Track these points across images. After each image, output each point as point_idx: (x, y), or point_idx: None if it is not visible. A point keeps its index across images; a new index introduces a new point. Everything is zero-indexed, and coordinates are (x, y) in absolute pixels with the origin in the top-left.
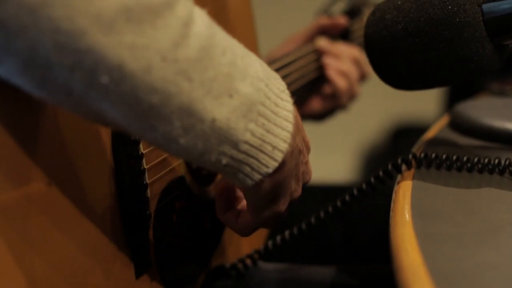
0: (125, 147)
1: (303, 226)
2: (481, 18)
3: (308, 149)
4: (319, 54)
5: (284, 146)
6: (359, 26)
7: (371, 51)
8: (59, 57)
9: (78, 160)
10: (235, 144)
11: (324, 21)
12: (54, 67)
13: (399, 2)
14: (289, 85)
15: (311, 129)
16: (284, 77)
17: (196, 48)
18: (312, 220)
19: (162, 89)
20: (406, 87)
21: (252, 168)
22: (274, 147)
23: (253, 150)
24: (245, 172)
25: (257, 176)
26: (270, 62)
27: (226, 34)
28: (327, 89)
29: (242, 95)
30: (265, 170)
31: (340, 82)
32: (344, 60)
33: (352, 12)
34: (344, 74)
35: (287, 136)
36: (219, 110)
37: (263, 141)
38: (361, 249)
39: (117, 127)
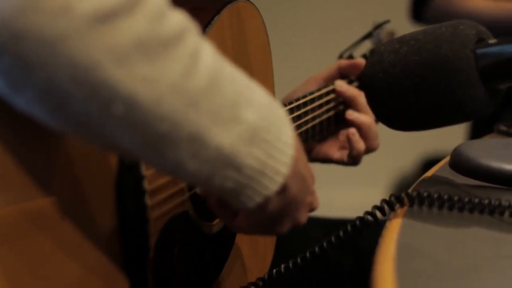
0: (129, 181)
1: (307, 255)
2: (474, 63)
3: (312, 177)
4: (337, 95)
5: (284, 170)
6: None
7: (368, 91)
8: (76, 90)
9: (82, 184)
10: (238, 168)
11: (343, 62)
12: (70, 99)
13: (396, 46)
14: (305, 124)
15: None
16: (301, 115)
17: (204, 78)
18: (316, 249)
19: (172, 118)
20: (401, 128)
21: (254, 191)
22: (276, 171)
23: (255, 174)
24: (247, 195)
25: (258, 199)
26: (288, 102)
27: (231, 65)
28: (344, 133)
29: (246, 122)
30: (265, 192)
31: (352, 130)
32: (359, 102)
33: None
34: (365, 126)
35: (288, 160)
36: (225, 137)
37: (265, 165)
38: (368, 281)
39: (128, 154)
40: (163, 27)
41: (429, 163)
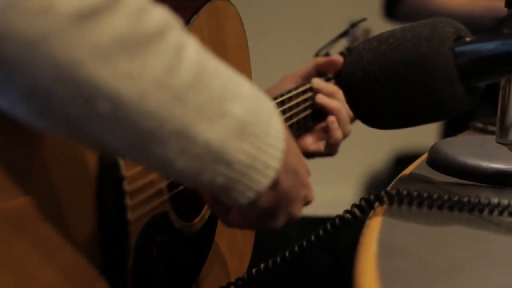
0: (109, 182)
1: (286, 254)
2: (453, 61)
3: (306, 170)
4: (314, 92)
5: (275, 164)
6: None
7: (347, 90)
8: (59, 89)
9: (62, 185)
10: (228, 164)
11: (321, 60)
12: (53, 98)
13: (375, 44)
14: (285, 122)
15: (312, 162)
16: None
17: (189, 73)
18: (296, 248)
19: (157, 115)
20: (380, 126)
21: (245, 186)
22: (267, 165)
23: (245, 169)
24: (238, 191)
25: (250, 194)
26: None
27: (216, 59)
28: (319, 126)
29: (234, 116)
30: (257, 188)
31: (332, 118)
32: (337, 98)
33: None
34: (336, 111)
35: (278, 154)
36: (212, 132)
37: (255, 159)
38: (348, 279)
39: (114, 152)
40: (145, 23)
41: (400, 159)
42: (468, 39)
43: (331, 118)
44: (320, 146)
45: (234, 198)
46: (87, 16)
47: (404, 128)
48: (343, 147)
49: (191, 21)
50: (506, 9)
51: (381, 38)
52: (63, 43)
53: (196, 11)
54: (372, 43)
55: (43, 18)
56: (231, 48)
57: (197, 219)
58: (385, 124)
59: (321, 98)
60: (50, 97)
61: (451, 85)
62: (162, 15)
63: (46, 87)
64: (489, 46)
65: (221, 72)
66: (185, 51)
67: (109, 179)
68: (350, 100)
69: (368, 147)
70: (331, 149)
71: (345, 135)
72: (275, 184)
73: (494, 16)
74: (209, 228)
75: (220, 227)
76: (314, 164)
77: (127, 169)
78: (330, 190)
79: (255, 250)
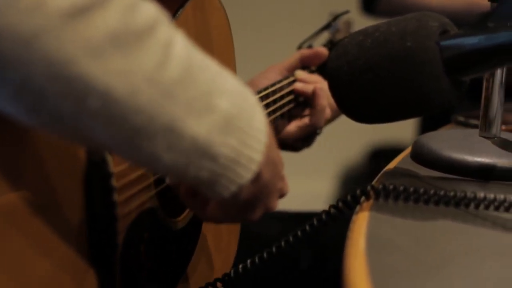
0: (97, 178)
1: (274, 250)
2: (439, 55)
3: (281, 163)
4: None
5: (259, 157)
6: None
7: (333, 84)
8: (51, 85)
9: (52, 181)
10: (214, 158)
11: (306, 52)
12: (46, 94)
13: (361, 38)
14: (269, 114)
15: (290, 156)
16: (265, 107)
17: (178, 68)
18: (282, 244)
19: (148, 110)
20: (367, 121)
21: (229, 180)
22: (250, 159)
23: (230, 163)
24: (222, 184)
25: (233, 188)
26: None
27: (203, 53)
28: (303, 112)
29: (220, 111)
30: (240, 181)
31: (318, 85)
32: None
33: (332, 47)
34: (320, 90)
35: (262, 147)
36: (199, 127)
37: (240, 153)
38: (329, 276)
39: (103, 148)
40: (135, 19)
41: (376, 153)
42: (453, 32)
43: (318, 85)
44: (305, 120)
45: (217, 192)
46: (79, 12)
47: (391, 122)
48: (318, 142)
49: (177, 14)
50: (485, 4)
51: (366, 32)
52: (56, 39)
53: (182, 4)
54: (357, 37)
55: (35, 15)
56: (216, 41)
57: (183, 215)
58: (371, 119)
59: (299, 85)
60: (42, 94)
61: (437, 79)
62: (152, 10)
63: (39, 83)
64: (474, 40)
65: (207, 67)
66: (174, 47)
67: (97, 175)
68: (336, 94)
69: (344, 141)
70: (316, 120)
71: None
72: (257, 177)
73: (474, 11)
74: (195, 224)
75: (206, 223)
76: (290, 158)
77: (115, 165)
78: (307, 185)
79: (238, 246)
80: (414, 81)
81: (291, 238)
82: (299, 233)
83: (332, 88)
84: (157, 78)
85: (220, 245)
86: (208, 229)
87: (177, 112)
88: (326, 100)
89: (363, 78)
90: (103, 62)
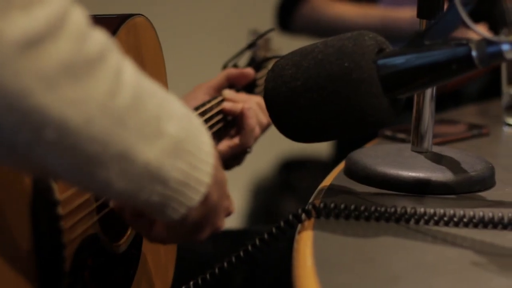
0: (43, 206)
1: (216, 271)
2: (376, 74)
3: (226, 182)
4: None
5: (207, 180)
6: (263, 79)
7: (271, 106)
8: (6, 117)
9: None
10: (164, 182)
11: (233, 72)
12: (1, 127)
13: (298, 58)
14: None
15: None
16: None
17: (128, 95)
18: (225, 265)
19: (102, 139)
20: (305, 140)
21: (179, 203)
22: (199, 181)
23: (180, 186)
24: (172, 207)
25: (183, 210)
26: None
27: (149, 79)
28: (232, 131)
29: (169, 135)
30: (189, 204)
31: (246, 105)
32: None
33: (257, 65)
34: (248, 110)
35: (210, 169)
36: (150, 152)
37: (189, 176)
38: None
39: (56, 176)
40: (86, 48)
41: (285, 164)
42: (389, 51)
43: (246, 105)
44: (235, 140)
45: (167, 215)
46: (32, 43)
47: (328, 141)
48: None
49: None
50: (399, 17)
51: (303, 52)
52: (11, 71)
53: (114, 32)
54: (294, 58)
55: None
56: (149, 63)
57: (124, 238)
58: (309, 138)
59: (228, 104)
60: None
61: (375, 97)
62: (102, 38)
63: None
64: (409, 58)
65: (155, 92)
66: (124, 74)
67: (43, 202)
68: (274, 115)
69: (254, 153)
70: (245, 140)
71: (256, 136)
72: (205, 199)
73: (388, 26)
74: (135, 246)
75: (145, 244)
76: None
77: (61, 192)
78: None
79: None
80: (351, 100)
81: (233, 259)
82: (241, 253)
83: (269, 109)
84: (109, 106)
85: (159, 265)
86: (147, 249)
87: (129, 138)
88: (255, 119)
89: (301, 99)
90: (57, 93)
